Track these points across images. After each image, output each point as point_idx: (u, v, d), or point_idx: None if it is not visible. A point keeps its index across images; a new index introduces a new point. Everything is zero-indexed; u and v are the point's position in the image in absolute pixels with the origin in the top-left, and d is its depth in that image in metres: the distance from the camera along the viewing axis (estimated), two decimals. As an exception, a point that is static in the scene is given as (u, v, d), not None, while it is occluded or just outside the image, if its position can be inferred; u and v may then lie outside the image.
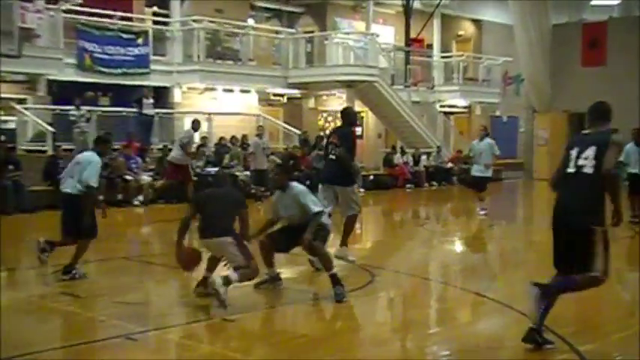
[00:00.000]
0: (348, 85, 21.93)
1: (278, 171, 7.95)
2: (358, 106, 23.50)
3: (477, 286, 8.52)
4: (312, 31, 23.67)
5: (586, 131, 5.96)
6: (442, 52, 27.13)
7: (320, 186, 9.50)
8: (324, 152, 9.65)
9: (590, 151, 5.61)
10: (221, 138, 19.25)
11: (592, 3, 27.19)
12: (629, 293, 8.31)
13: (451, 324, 6.99)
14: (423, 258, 11.17)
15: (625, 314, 7.30)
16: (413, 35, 25.07)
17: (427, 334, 6.61)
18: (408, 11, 24.64)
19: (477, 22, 28.46)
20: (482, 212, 15.02)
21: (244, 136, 19.04)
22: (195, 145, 16.50)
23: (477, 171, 15.15)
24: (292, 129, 21.54)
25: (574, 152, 5.74)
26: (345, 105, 22.62)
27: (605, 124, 5.85)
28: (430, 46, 27.01)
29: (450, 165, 24.30)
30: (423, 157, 23.66)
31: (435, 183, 23.34)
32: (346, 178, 9.26)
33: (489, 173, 15.20)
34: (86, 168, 8.09)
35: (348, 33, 23.57)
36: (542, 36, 26.70)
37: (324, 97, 24.39)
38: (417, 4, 25.02)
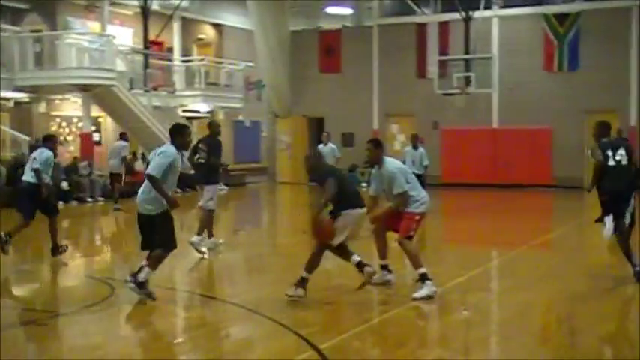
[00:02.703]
0: (84, 88, 20.67)
1: None
2: (95, 111, 22.28)
3: (223, 292, 8.66)
4: (40, 30, 21.92)
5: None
6: (183, 55, 26.58)
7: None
8: (192, 157, 11.39)
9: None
10: None
11: (327, 11, 28.18)
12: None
13: (197, 332, 6.90)
14: (167, 267, 10.79)
15: (359, 310, 7.59)
16: (152, 38, 24.25)
17: (173, 343, 6.48)
18: (146, 13, 23.78)
19: (217, 27, 28.27)
20: None
21: None
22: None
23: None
24: (21, 135, 19.77)
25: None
26: (81, 108, 21.47)
27: None
28: (170, 50, 26.32)
29: (193, 172, 23.79)
30: (166, 164, 22.92)
31: (179, 190, 22.75)
32: (211, 178, 11.35)
33: None
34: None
35: (82, 33, 22.18)
36: (280, 42, 27.23)
37: (58, 102, 22.77)
38: (155, 6, 24.23)
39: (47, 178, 10.55)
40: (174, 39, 26.35)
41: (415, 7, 26.77)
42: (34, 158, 10.64)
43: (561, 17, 24.05)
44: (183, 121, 25.28)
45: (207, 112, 26.89)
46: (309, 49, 27.94)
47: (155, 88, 24.20)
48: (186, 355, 6.17)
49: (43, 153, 10.67)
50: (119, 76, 21.62)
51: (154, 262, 7.79)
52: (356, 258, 7.86)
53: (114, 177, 18.40)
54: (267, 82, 27.91)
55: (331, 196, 7.60)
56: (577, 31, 23.82)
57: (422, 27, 26.05)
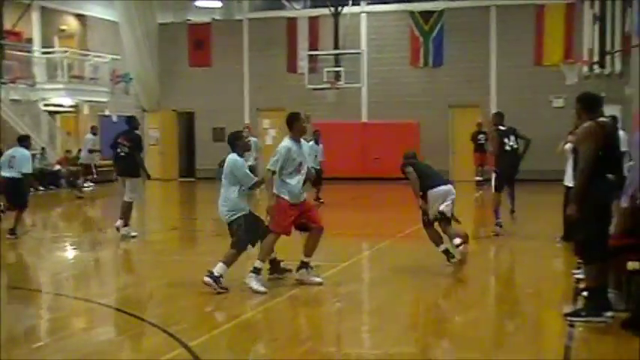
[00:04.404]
0: None
1: None
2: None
3: (88, 292, 8.35)
4: None
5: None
6: (44, 47, 25.36)
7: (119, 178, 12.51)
8: (114, 151, 12.26)
9: None
10: None
11: (196, 4, 27.67)
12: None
13: (60, 334, 6.67)
14: (29, 268, 10.65)
15: (231, 306, 7.50)
16: (8, 27, 22.97)
17: (33, 348, 6.18)
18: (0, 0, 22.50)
19: (81, 17, 27.12)
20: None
21: None
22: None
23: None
24: None
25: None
26: None
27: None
28: (29, 41, 25.03)
29: (57, 167, 22.92)
30: (27, 160, 21.89)
31: (41, 187, 21.76)
32: (134, 171, 12.23)
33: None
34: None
35: None
36: (148, 35, 26.55)
37: None
38: (12, -6, 23.01)
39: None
40: (34, 29, 25.07)
41: (285, 2, 26.78)
42: (13, 156, 12.11)
43: (426, 14, 24.79)
44: (45, 115, 24.27)
45: (71, 107, 25.86)
46: (178, 43, 27.40)
47: (13, 81, 22.99)
48: (48, 358, 5.91)
49: (20, 151, 12.16)
50: (-28, 67, 20.41)
51: (228, 260, 7.92)
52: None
53: (85, 167, 21.42)
54: (134, 76, 27.12)
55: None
56: (441, 28, 24.62)
57: (292, 22, 26.13)
